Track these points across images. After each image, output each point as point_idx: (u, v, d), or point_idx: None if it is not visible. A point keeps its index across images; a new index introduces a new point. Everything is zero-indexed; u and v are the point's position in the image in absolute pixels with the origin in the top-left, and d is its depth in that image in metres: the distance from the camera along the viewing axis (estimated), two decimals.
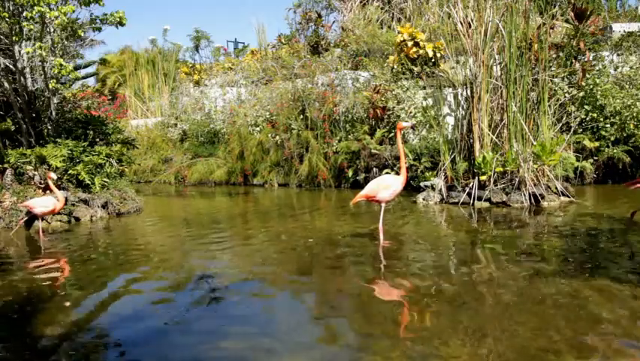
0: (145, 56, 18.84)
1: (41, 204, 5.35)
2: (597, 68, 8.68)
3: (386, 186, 4.57)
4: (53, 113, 7.07)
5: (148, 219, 6.79)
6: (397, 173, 8.72)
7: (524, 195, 6.46)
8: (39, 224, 5.53)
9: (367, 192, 4.62)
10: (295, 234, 5.16)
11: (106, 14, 6.81)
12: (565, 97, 8.19)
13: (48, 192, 6.19)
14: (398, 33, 10.06)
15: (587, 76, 8.41)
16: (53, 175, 5.59)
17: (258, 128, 11.48)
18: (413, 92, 9.16)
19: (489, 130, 6.89)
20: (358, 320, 2.69)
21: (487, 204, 6.59)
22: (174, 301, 3.09)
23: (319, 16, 14.95)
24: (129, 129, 14.52)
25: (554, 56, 8.51)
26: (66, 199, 6.29)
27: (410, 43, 9.71)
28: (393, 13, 14.29)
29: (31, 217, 5.73)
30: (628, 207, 6.32)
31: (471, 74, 6.92)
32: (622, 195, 7.51)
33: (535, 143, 6.66)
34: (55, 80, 6.74)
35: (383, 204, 4.64)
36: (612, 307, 2.68)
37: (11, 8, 6.27)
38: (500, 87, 6.90)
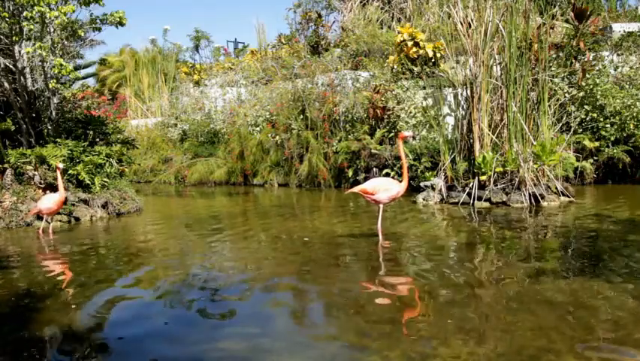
0: (145, 56, 18.86)
1: (47, 203, 5.35)
2: (597, 68, 8.68)
3: (386, 188, 4.56)
4: (53, 113, 7.07)
5: (148, 220, 6.79)
6: (397, 173, 8.77)
7: (524, 195, 6.46)
8: (41, 224, 5.55)
9: (367, 188, 4.61)
10: (295, 234, 5.15)
11: (106, 14, 6.81)
12: (565, 97, 8.19)
13: (47, 191, 6.21)
14: (398, 33, 10.06)
15: (587, 76, 8.41)
16: (61, 165, 5.51)
17: (258, 128, 11.48)
18: (413, 92, 9.16)
19: (489, 130, 6.88)
20: (357, 319, 2.69)
21: (487, 205, 6.59)
22: (174, 301, 3.09)
23: (319, 16, 14.94)
24: (129, 129, 14.53)
25: (554, 56, 8.50)
26: (66, 199, 6.29)
27: (410, 44, 9.71)
28: (393, 13, 14.29)
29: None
30: (628, 207, 6.33)
31: (471, 74, 6.92)
32: (622, 195, 7.52)
33: (535, 143, 6.66)
34: (55, 80, 6.74)
35: (381, 205, 4.63)
36: (612, 307, 2.68)
37: (11, 8, 6.27)
38: (500, 87, 6.90)
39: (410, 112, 9.06)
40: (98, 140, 7.72)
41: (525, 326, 2.45)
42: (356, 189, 4.68)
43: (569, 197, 6.70)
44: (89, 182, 6.67)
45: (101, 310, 2.96)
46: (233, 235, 5.39)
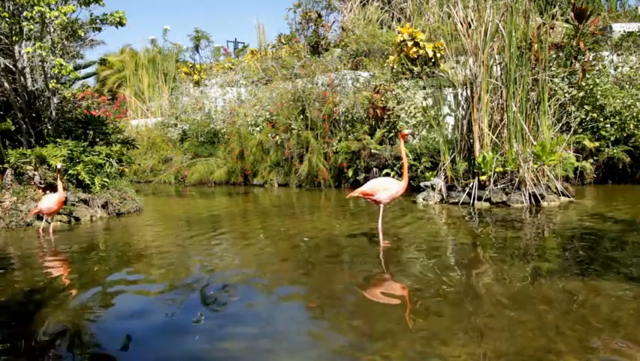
0: (145, 56, 18.86)
1: (47, 203, 5.36)
2: (597, 68, 8.68)
3: (386, 188, 4.56)
4: (53, 113, 7.07)
5: (148, 219, 6.79)
6: (397, 173, 8.77)
7: (524, 195, 6.46)
8: (41, 224, 5.54)
9: (366, 190, 4.61)
10: (295, 234, 5.15)
11: (106, 14, 6.81)
12: (565, 97, 8.19)
13: (47, 191, 6.21)
14: (398, 33, 10.07)
15: (587, 76, 8.41)
16: (61, 165, 5.51)
17: (258, 128, 11.48)
18: (413, 92, 9.16)
19: (489, 130, 6.88)
20: (357, 319, 2.69)
21: (487, 205, 6.59)
22: (174, 301, 3.09)
23: (319, 16, 14.95)
24: (129, 129, 14.54)
25: (554, 56, 8.50)
26: (66, 199, 6.30)
27: (410, 44, 9.71)
28: (393, 13, 14.30)
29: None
30: (628, 207, 6.33)
31: (471, 74, 6.92)
32: (622, 195, 7.52)
33: (535, 143, 6.66)
34: (55, 80, 6.75)
35: (382, 205, 4.63)
36: (612, 307, 2.68)
37: (11, 8, 6.27)
38: (500, 87, 6.90)
39: (410, 112, 9.06)
40: (98, 140, 7.72)
41: (525, 325, 2.45)
42: (356, 192, 4.68)
43: (569, 197, 6.70)
44: (89, 182, 6.67)
45: (102, 311, 2.96)
46: (233, 235, 5.39)
